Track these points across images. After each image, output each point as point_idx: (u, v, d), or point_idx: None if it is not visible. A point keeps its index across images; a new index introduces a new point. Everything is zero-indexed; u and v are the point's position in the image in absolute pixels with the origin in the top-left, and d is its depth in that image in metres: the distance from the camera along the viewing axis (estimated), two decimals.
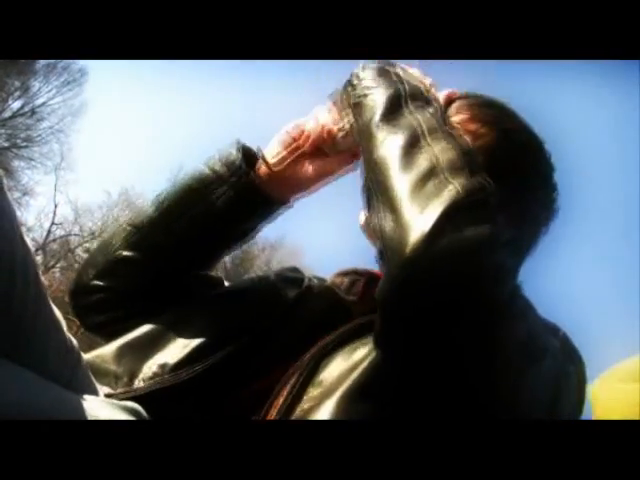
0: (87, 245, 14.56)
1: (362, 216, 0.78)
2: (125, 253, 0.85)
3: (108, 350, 0.79)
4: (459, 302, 0.54)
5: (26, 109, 14.47)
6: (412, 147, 0.58)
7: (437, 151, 0.58)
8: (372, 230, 0.60)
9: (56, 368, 0.59)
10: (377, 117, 0.63)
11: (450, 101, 0.79)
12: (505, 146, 0.76)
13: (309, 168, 0.81)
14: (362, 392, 0.63)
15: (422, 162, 0.57)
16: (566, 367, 0.68)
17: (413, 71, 0.77)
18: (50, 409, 0.53)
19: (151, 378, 0.74)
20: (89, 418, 0.55)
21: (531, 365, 0.61)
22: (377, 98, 0.65)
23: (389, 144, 0.60)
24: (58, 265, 14.64)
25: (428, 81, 0.77)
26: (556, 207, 0.80)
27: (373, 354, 0.64)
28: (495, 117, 0.78)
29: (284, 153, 0.81)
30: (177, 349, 0.76)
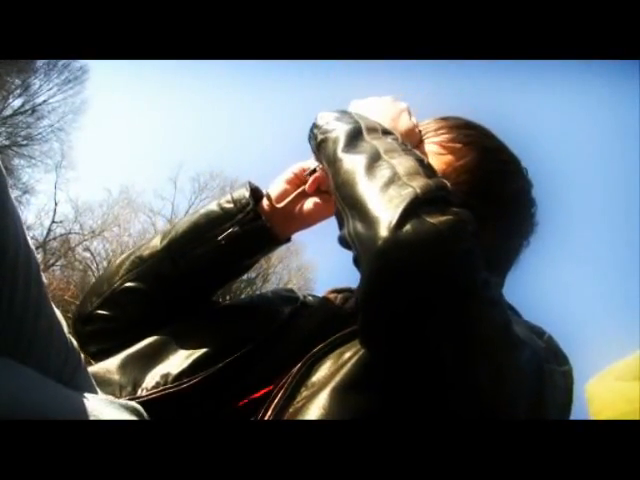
0: (87, 243, 14.59)
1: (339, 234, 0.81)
2: (130, 284, 0.88)
3: (112, 361, 0.81)
4: (429, 287, 0.56)
5: (27, 107, 14.48)
6: (373, 163, 0.63)
7: (395, 163, 0.63)
8: (345, 241, 0.64)
9: (57, 368, 0.60)
10: (339, 147, 0.68)
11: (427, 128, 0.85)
12: (485, 164, 0.81)
13: (310, 206, 0.86)
14: (350, 386, 0.65)
15: (383, 173, 0.62)
16: (550, 366, 0.69)
17: (384, 98, 0.83)
18: (52, 408, 0.53)
19: (154, 387, 0.76)
20: (91, 417, 0.55)
21: (509, 353, 0.61)
22: (339, 133, 0.70)
23: (352, 165, 0.65)
24: (58, 263, 14.66)
25: (402, 105, 0.83)
26: (535, 221, 0.85)
27: (360, 351, 0.67)
28: (475, 137, 0.83)
29: (288, 191, 0.86)
30: (179, 360, 0.78)
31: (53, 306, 0.61)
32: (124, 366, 0.80)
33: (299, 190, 0.85)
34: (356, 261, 0.62)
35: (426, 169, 0.63)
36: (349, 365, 0.67)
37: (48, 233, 14.46)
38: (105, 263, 14.18)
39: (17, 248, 0.56)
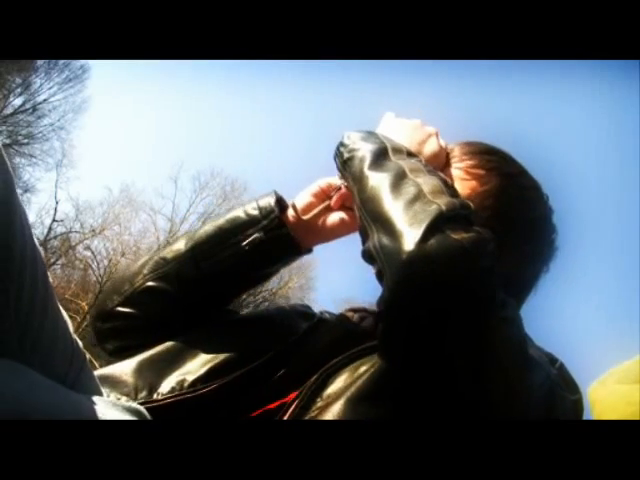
0: (88, 242, 14.60)
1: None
2: (152, 283, 0.89)
3: (129, 363, 0.82)
4: (450, 299, 0.57)
5: (27, 106, 14.48)
6: (399, 180, 0.66)
7: (420, 182, 0.65)
8: (369, 254, 0.65)
9: (62, 368, 0.60)
10: (366, 165, 0.71)
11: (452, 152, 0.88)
12: (507, 190, 0.83)
13: (334, 221, 0.88)
14: (364, 397, 0.67)
15: (408, 190, 0.64)
16: (562, 392, 0.69)
17: (413, 121, 0.85)
18: (56, 410, 0.53)
19: (169, 392, 0.77)
20: (94, 419, 0.56)
21: (522, 372, 0.62)
22: (365, 152, 0.73)
23: (378, 182, 0.67)
24: (59, 262, 14.66)
25: (430, 129, 0.85)
26: (555, 247, 0.87)
27: (376, 364, 0.69)
28: (497, 163, 0.86)
29: (313, 204, 0.88)
30: (195, 367, 0.80)
31: (59, 306, 0.62)
32: (140, 369, 0.80)
33: (324, 204, 0.87)
34: (379, 274, 0.63)
35: (450, 189, 0.66)
36: (364, 377, 0.68)
37: (49, 232, 14.47)
38: (106, 262, 14.21)
39: (23, 248, 0.56)
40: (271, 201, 0.88)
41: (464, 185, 0.82)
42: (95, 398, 0.61)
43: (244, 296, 1.00)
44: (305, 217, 0.87)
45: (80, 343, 0.64)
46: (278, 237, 0.86)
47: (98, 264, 14.46)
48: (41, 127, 14.70)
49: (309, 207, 0.88)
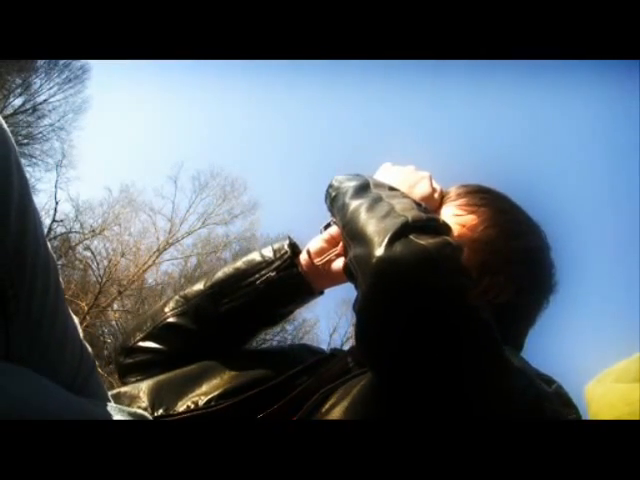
0: (87, 242, 14.59)
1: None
2: (173, 320, 0.95)
3: (147, 383, 0.87)
4: (417, 300, 0.59)
5: (27, 106, 14.48)
6: (374, 203, 0.71)
7: (394, 202, 0.70)
8: (348, 269, 0.68)
9: (71, 373, 0.60)
10: (348, 197, 0.76)
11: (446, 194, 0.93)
12: (499, 223, 0.87)
13: (341, 266, 0.89)
14: (359, 402, 0.70)
15: (381, 209, 0.69)
16: (556, 409, 0.69)
17: (406, 167, 0.91)
18: (64, 414, 0.53)
19: (184, 410, 0.82)
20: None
21: (497, 371, 0.62)
22: (348, 188, 0.78)
23: (356, 206, 0.72)
24: (59, 262, 14.65)
25: (423, 173, 0.91)
26: (554, 282, 0.89)
27: (368, 375, 0.72)
28: (489, 200, 0.90)
29: (324, 249, 0.94)
30: (210, 389, 0.85)
31: (70, 311, 0.62)
32: (158, 389, 0.85)
33: (334, 250, 0.93)
34: (357, 285, 0.66)
35: (421, 207, 0.70)
36: (357, 388, 0.72)
37: (48, 232, 14.43)
38: (106, 262, 14.20)
39: (36, 255, 0.57)
40: (285, 244, 0.96)
41: (458, 220, 0.86)
42: (101, 403, 0.61)
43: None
44: (317, 261, 0.93)
45: (90, 349, 0.65)
46: (290, 277, 0.93)
47: (98, 264, 14.45)
48: (41, 127, 14.70)
49: (321, 252, 0.94)
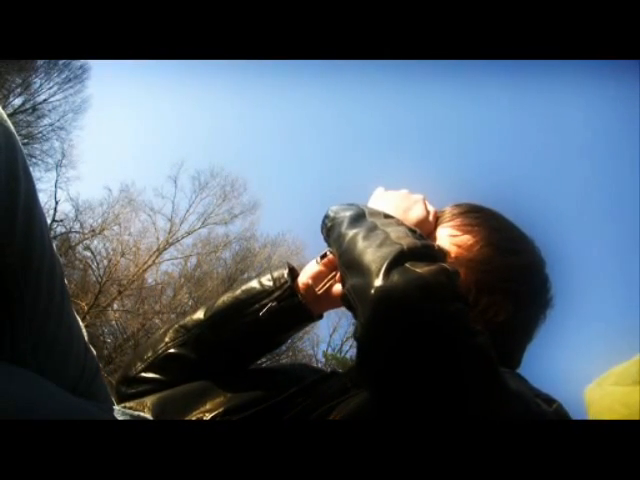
0: (87, 242, 14.59)
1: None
2: (174, 350, 0.95)
3: (150, 399, 0.87)
4: (415, 328, 0.59)
5: (27, 106, 14.48)
6: (369, 232, 0.71)
7: (389, 230, 0.70)
8: (346, 299, 0.68)
9: (74, 375, 0.61)
10: (343, 227, 0.76)
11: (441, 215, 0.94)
12: (494, 241, 0.88)
13: (339, 290, 0.91)
14: (357, 412, 0.72)
15: (377, 237, 0.69)
16: None
17: (400, 192, 0.92)
18: (63, 416, 0.53)
19: None
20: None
21: (494, 392, 0.61)
22: (344, 218, 0.78)
23: (352, 235, 0.72)
24: None
25: (417, 197, 0.92)
26: (550, 296, 0.90)
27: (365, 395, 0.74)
28: (484, 219, 0.92)
29: (322, 273, 0.94)
30: (214, 406, 0.85)
31: (75, 315, 0.62)
32: (162, 405, 0.86)
33: (332, 275, 0.93)
34: (356, 316, 0.66)
35: (416, 234, 0.71)
36: (354, 405, 0.74)
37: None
38: (105, 262, 14.20)
39: (42, 256, 0.57)
40: (284, 272, 0.95)
41: (454, 241, 0.88)
42: (104, 405, 0.61)
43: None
44: (317, 289, 0.93)
45: (94, 353, 0.65)
46: (291, 306, 0.93)
47: (98, 264, 14.45)
48: (41, 127, 14.70)
49: (319, 276, 0.94)
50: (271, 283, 0.95)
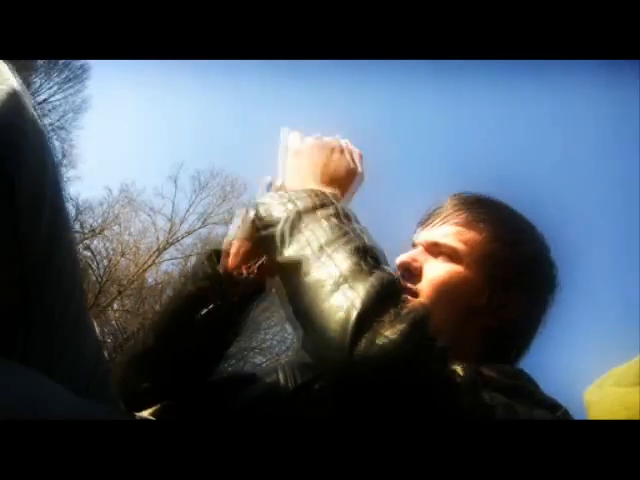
0: (87, 242, 14.58)
1: None
2: (148, 384, 0.89)
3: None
4: (397, 394, 0.56)
5: None
6: (314, 264, 0.62)
7: (337, 261, 0.62)
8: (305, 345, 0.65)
9: (84, 380, 0.61)
10: (279, 250, 0.67)
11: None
12: (501, 235, 0.86)
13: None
14: None
15: (324, 277, 0.61)
16: None
17: (311, 143, 0.81)
18: (66, 415, 0.53)
19: None
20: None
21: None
22: (277, 234, 0.68)
23: (295, 264, 0.64)
24: None
25: (331, 143, 0.82)
26: (557, 281, 0.89)
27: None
28: (489, 214, 0.88)
29: (251, 252, 0.87)
30: None
31: (92, 319, 0.63)
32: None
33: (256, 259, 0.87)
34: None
35: (366, 259, 0.62)
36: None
37: None
38: (106, 262, 14.20)
39: (65, 258, 0.57)
40: (215, 268, 0.88)
41: (462, 238, 0.85)
42: (109, 409, 0.61)
43: None
44: (247, 274, 0.86)
45: (106, 356, 0.66)
46: (230, 303, 0.86)
47: (98, 264, 14.44)
48: None
49: (245, 255, 0.87)
50: (207, 283, 0.87)
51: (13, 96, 0.55)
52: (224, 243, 0.91)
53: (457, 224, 0.87)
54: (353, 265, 0.61)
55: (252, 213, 0.75)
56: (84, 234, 14.93)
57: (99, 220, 15.14)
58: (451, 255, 0.84)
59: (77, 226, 14.89)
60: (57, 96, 14.56)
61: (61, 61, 13.94)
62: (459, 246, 0.84)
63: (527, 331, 0.86)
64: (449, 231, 0.86)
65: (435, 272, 0.83)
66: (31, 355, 0.55)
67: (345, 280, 0.59)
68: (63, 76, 14.50)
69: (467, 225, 0.86)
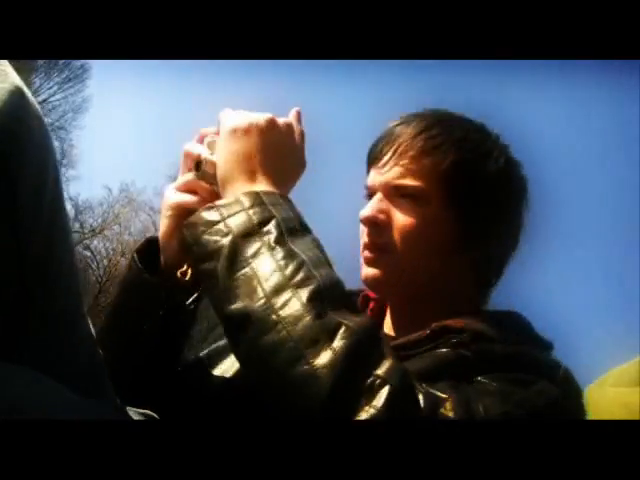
0: (87, 242, 14.60)
1: None
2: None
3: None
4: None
5: None
6: (264, 323, 0.54)
7: (289, 320, 0.53)
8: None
9: (82, 376, 0.60)
10: (222, 302, 0.58)
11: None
12: (464, 155, 0.78)
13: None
14: None
15: (277, 343, 0.53)
16: (565, 402, 0.65)
17: (247, 123, 0.68)
18: (64, 414, 0.53)
19: None
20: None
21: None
22: (215, 267, 0.58)
23: (244, 332, 0.55)
24: None
25: (265, 119, 0.69)
26: (529, 195, 0.83)
27: None
28: (446, 135, 0.79)
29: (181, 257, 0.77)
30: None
31: (88, 320, 0.63)
32: None
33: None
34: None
35: (325, 311, 0.54)
36: None
37: None
38: (105, 262, 14.21)
39: (62, 262, 0.57)
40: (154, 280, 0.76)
41: (420, 174, 0.76)
42: (107, 404, 0.62)
43: None
44: (185, 278, 0.76)
45: (102, 355, 0.66)
46: (179, 303, 0.77)
47: (98, 264, 14.47)
48: None
49: (177, 260, 0.76)
50: (145, 294, 0.76)
51: (19, 93, 0.55)
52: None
53: (412, 157, 0.77)
54: (313, 327, 0.53)
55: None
56: (84, 234, 14.94)
57: (99, 220, 15.18)
58: (415, 195, 0.76)
59: (77, 226, 14.89)
60: (57, 96, 14.60)
61: (61, 61, 13.96)
62: (420, 184, 0.76)
63: (504, 255, 0.81)
64: (406, 168, 0.77)
65: (404, 219, 0.76)
66: (29, 354, 0.55)
67: (306, 347, 0.52)
68: (63, 76, 14.53)
69: (423, 156, 0.77)
